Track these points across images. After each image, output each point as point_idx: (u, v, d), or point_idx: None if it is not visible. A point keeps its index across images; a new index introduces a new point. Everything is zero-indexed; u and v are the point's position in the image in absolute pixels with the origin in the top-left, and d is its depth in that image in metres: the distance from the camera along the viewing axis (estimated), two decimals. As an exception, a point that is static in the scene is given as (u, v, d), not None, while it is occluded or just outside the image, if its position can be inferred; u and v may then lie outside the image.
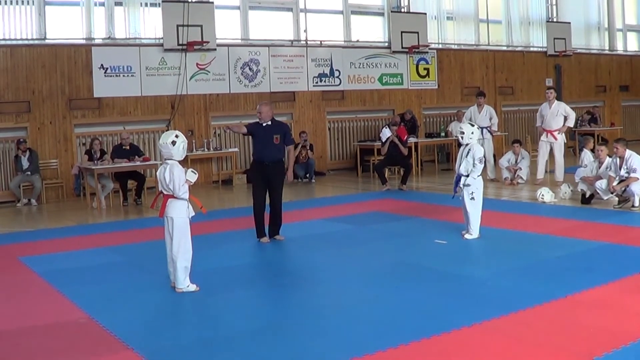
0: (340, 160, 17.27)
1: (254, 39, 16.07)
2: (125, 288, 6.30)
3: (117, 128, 14.13)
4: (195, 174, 6.07)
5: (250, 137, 8.76)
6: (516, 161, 13.11)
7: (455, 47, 19.27)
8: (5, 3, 13.14)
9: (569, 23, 21.20)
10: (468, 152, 7.89)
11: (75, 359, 4.47)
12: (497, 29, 20.24)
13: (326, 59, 16.86)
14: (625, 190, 9.54)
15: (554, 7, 21.30)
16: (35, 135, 13.39)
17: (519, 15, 20.50)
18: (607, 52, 22.93)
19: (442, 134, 17.00)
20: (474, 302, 5.35)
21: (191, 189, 6.06)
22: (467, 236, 7.95)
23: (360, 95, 17.42)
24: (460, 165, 7.99)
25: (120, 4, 14.35)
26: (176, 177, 5.89)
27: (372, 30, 18.08)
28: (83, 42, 14.01)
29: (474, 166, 7.83)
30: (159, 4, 14.46)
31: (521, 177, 12.98)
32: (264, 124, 8.28)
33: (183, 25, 14.38)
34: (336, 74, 16.98)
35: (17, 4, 13.23)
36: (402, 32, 17.63)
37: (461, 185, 7.95)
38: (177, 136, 5.97)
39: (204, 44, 14.71)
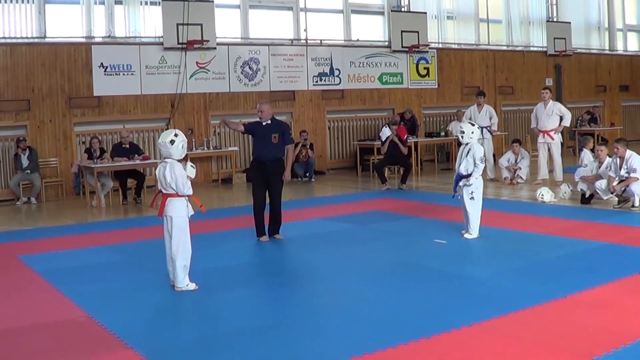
0: (340, 160, 17.27)
1: (254, 37, 16.06)
2: (125, 287, 6.29)
3: (116, 126, 14.12)
4: (193, 167, 6.10)
5: (250, 136, 8.75)
6: (516, 161, 13.11)
7: (456, 46, 19.27)
8: (6, 1, 13.13)
9: (569, 23, 21.21)
10: (468, 152, 7.89)
11: (75, 358, 4.47)
12: (497, 29, 20.24)
13: (326, 58, 16.86)
14: (625, 190, 9.54)
15: (554, 6, 21.31)
16: (35, 134, 13.38)
17: (519, 15, 20.51)
18: (607, 52, 22.93)
19: (442, 133, 16.99)
20: (474, 302, 5.35)
21: (192, 187, 6.07)
22: (466, 236, 7.95)
23: (360, 95, 17.42)
24: (460, 165, 7.99)
25: (120, 2, 14.34)
26: (178, 175, 5.89)
27: (372, 29, 18.08)
28: (83, 40, 14.01)
29: (475, 166, 7.83)
30: (159, 2, 14.45)
31: (521, 177, 12.98)
32: (264, 123, 8.28)
33: (183, 24, 14.37)
34: (336, 73, 16.98)
35: (17, 2, 13.22)
36: (402, 32, 17.62)
37: (461, 185, 7.95)
38: (176, 135, 5.96)
39: (204, 43, 14.70)
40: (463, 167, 7.93)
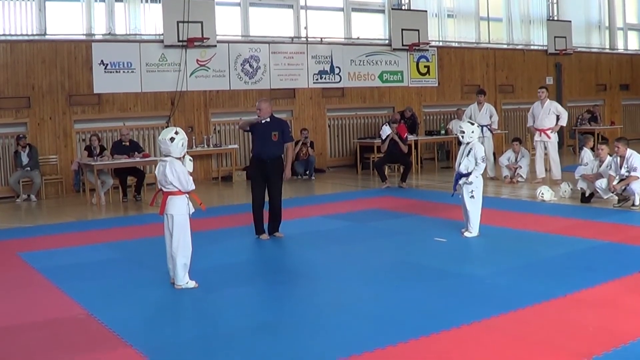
0: (340, 158, 17.26)
1: (254, 35, 16.05)
2: (125, 284, 6.29)
3: (116, 124, 14.12)
4: (191, 161, 6.11)
5: (250, 133, 8.74)
6: (516, 159, 13.11)
7: (456, 44, 19.26)
8: (6, -2, 13.14)
9: (570, 21, 21.20)
10: (469, 152, 7.88)
11: (74, 355, 4.46)
12: (498, 27, 20.23)
13: (326, 56, 16.84)
14: (625, 189, 9.54)
15: (555, 5, 21.30)
16: (35, 131, 13.38)
17: (519, 13, 20.50)
18: (607, 50, 22.92)
19: (442, 131, 17.00)
20: (474, 301, 5.35)
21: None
22: (466, 234, 7.95)
23: (360, 93, 17.41)
24: (460, 164, 7.98)
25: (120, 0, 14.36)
26: (180, 172, 5.90)
27: (372, 27, 18.07)
28: (83, 37, 14.00)
29: (476, 165, 7.82)
30: (160, 0, 14.43)
31: (521, 176, 12.97)
32: (263, 121, 8.27)
33: (183, 22, 14.36)
34: (336, 71, 16.97)
35: (17, -1, 13.24)
36: (402, 30, 17.60)
37: (461, 184, 7.94)
38: (176, 133, 5.96)
39: (204, 41, 14.69)
40: (463, 166, 7.93)
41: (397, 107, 17.54)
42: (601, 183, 9.86)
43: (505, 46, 20.25)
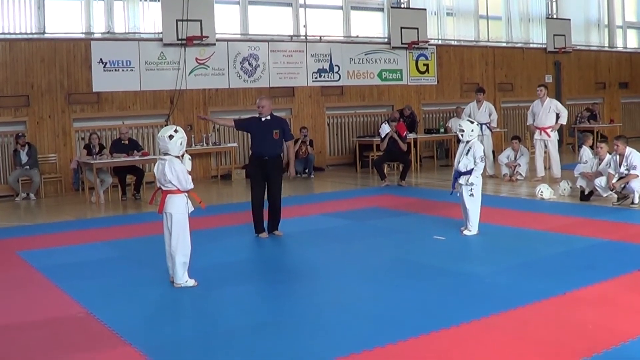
0: (339, 156, 17.26)
1: (254, 34, 16.04)
2: (124, 283, 6.29)
3: (116, 123, 14.10)
4: (190, 159, 6.10)
5: (249, 132, 8.73)
6: (515, 157, 13.12)
7: (455, 43, 19.25)
8: (5, -3, 13.12)
9: (569, 20, 21.20)
10: (469, 150, 7.87)
11: (74, 354, 4.46)
12: (497, 25, 20.23)
13: (325, 54, 16.84)
14: (624, 187, 9.54)
15: (554, 3, 21.29)
16: (34, 130, 13.37)
17: (518, 12, 20.49)
18: (606, 49, 22.92)
19: (441, 130, 16.99)
20: (473, 299, 5.35)
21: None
22: (466, 232, 7.95)
23: (359, 91, 17.40)
24: (459, 162, 7.98)
25: (119, -2, 14.34)
26: (179, 171, 5.89)
27: (371, 25, 18.06)
28: (82, 36, 13.98)
29: (475, 164, 7.82)
30: (159, -2, 14.44)
31: (520, 174, 12.97)
32: (263, 119, 8.27)
33: (182, 20, 14.34)
34: (335, 69, 16.96)
35: (16, -3, 13.22)
36: (401, 28, 17.60)
37: (461, 183, 7.94)
38: (176, 131, 5.95)
39: (204, 39, 14.68)
40: (462, 164, 7.93)
41: (397, 105, 17.53)
42: (600, 181, 9.87)
43: (504, 44, 20.24)
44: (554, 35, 20.65)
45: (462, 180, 7.93)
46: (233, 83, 15.54)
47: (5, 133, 13.18)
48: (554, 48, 20.69)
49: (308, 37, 16.64)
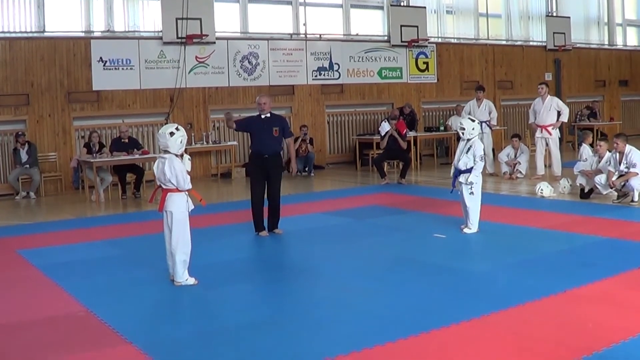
0: (339, 154, 17.25)
1: (253, 32, 16.03)
2: (124, 281, 6.29)
3: (116, 121, 14.10)
4: (190, 160, 6.10)
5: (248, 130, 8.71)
6: (515, 155, 13.12)
7: (455, 41, 19.24)
8: (4, -5, 13.11)
9: (569, 17, 21.18)
10: (469, 149, 7.86)
11: (74, 353, 4.46)
12: (497, 23, 20.22)
13: (325, 52, 16.83)
14: (624, 185, 9.54)
15: (554, 1, 21.29)
16: (34, 128, 13.36)
17: (518, 10, 20.48)
18: (606, 46, 22.90)
19: (441, 128, 17.00)
20: (473, 297, 5.35)
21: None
22: (466, 230, 7.95)
23: (359, 89, 17.39)
24: (459, 160, 7.97)
25: (119, -4, 14.33)
26: (178, 171, 5.89)
27: (371, 23, 18.04)
28: (82, 34, 13.97)
29: (475, 163, 7.81)
30: (158, -4, 14.43)
31: (520, 172, 12.98)
32: (264, 117, 8.27)
33: (182, 19, 14.33)
34: (335, 67, 16.95)
35: (15, -4, 13.21)
36: (401, 26, 17.58)
37: (461, 181, 7.93)
38: (177, 129, 5.95)
39: (203, 37, 14.67)
40: (462, 162, 7.92)
41: (396, 103, 17.52)
42: (600, 179, 9.86)
43: (504, 42, 20.23)
44: (554, 33, 20.63)
45: (462, 178, 7.93)
46: (233, 81, 15.54)
47: (5, 132, 13.18)
48: (554, 46, 20.68)
49: (308, 36, 16.63)
